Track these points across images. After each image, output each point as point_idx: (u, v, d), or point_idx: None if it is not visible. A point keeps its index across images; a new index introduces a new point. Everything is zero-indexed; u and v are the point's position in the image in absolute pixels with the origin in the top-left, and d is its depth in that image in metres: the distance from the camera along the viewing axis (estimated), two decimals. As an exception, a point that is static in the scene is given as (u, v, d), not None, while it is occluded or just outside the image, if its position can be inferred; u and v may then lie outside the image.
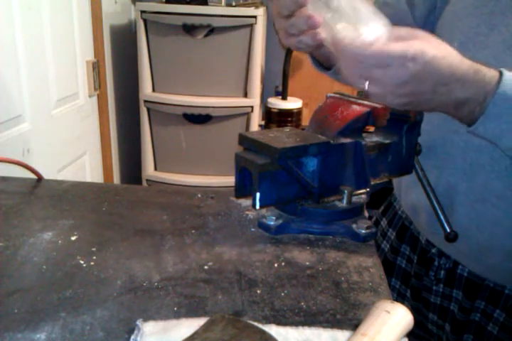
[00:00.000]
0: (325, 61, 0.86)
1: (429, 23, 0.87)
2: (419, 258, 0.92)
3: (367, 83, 0.62)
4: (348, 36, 0.61)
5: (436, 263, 0.88)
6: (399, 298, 0.97)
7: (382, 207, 1.06)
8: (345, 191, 0.76)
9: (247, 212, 0.85)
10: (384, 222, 1.02)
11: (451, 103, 0.64)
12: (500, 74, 0.63)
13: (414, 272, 0.93)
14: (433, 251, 0.88)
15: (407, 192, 0.92)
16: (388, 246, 0.99)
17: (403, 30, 0.62)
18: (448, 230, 0.77)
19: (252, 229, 0.80)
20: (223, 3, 2.05)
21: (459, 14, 0.79)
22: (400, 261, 0.97)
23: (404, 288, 0.96)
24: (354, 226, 0.76)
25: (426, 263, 0.90)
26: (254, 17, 1.99)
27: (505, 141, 0.65)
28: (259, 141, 0.71)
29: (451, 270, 0.86)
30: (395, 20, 0.89)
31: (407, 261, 0.95)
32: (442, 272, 0.87)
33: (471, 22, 0.76)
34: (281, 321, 0.58)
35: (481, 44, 0.74)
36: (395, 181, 0.98)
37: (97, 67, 1.87)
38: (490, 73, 0.63)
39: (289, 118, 2.11)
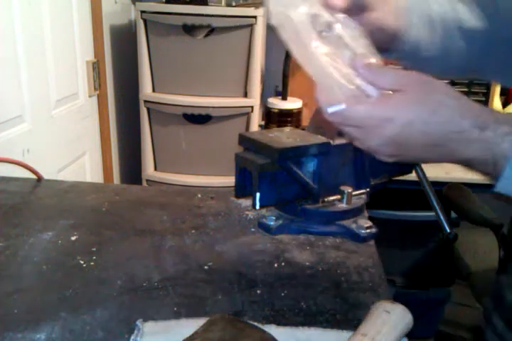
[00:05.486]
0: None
1: None
2: None
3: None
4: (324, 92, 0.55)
5: None
6: None
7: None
8: (345, 191, 0.76)
9: (247, 212, 0.85)
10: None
11: (456, 161, 0.55)
12: None
13: None
14: None
15: None
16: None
17: (390, 78, 0.54)
18: (448, 230, 0.77)
19: (252, 229, 0.80)
20: (223, 3, 2.05)
21: None
22: None
23: None
24: (354, 226, 0.76)
25: None
26: (254, 17, 1.99)
27: None
28: (259, 141, 0.71)
29: None
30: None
31: None
32: None
33: None
34: (281, 321, 0.58)
35: None
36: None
37: (97, 67, 1.87)
38: (501, 129, 0.51)
39: (289, 119, 2.11)
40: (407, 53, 0.72)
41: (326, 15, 0.58)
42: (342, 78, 0.54)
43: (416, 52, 0.72)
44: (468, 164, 0.54)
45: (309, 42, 0.56)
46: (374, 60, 0.58)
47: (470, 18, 0.72)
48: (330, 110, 0.54)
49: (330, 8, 0.60)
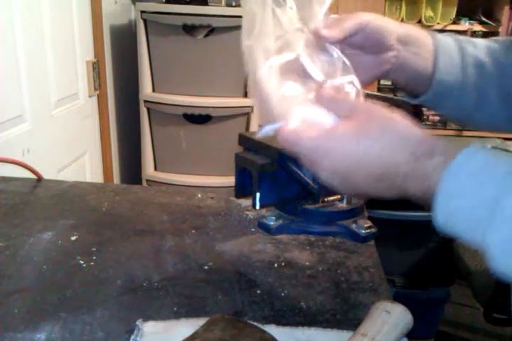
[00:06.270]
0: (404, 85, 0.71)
1: None
2: None
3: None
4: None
5: None
6: None
7: None
8: (345, 191, 0.76)
9: (247, 212, 0.85)
10: None
11: (406, 196, 0.50)
12: (452, 159, 0.45)
13: None
14: None
15: None
16: None
17: (345, 107, 0.52)
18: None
19: (252, 229, 0.80)
20: (223, 3, 2.05)
21: None
22: None
23: None
24: (354, 226, 0.76)
25: None
26: (254, 17, 1.99)
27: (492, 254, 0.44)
28: (259, 141, 0.71)
29: None
30: None
31: None
32: None
33: None
34: (281, 321, 0.58)
35: None
36: None
37: (97, 67, 1.87)
38: (433, 160, 0.47)
39: (289, 119, 2.11)
40: (438, 97, 0.68)
41: (294, 46, 0.58)
42: (284, 104, 0.55)
43: (447, 97, 0.68)
44: (414, 199, 0.49)
45: (258, 69, 0.56)
46: (349, 93, 0.58)
47: (506, 59, 0.67)
48: (263, 130, 0.56)
49: (320, 39, 0.59)
